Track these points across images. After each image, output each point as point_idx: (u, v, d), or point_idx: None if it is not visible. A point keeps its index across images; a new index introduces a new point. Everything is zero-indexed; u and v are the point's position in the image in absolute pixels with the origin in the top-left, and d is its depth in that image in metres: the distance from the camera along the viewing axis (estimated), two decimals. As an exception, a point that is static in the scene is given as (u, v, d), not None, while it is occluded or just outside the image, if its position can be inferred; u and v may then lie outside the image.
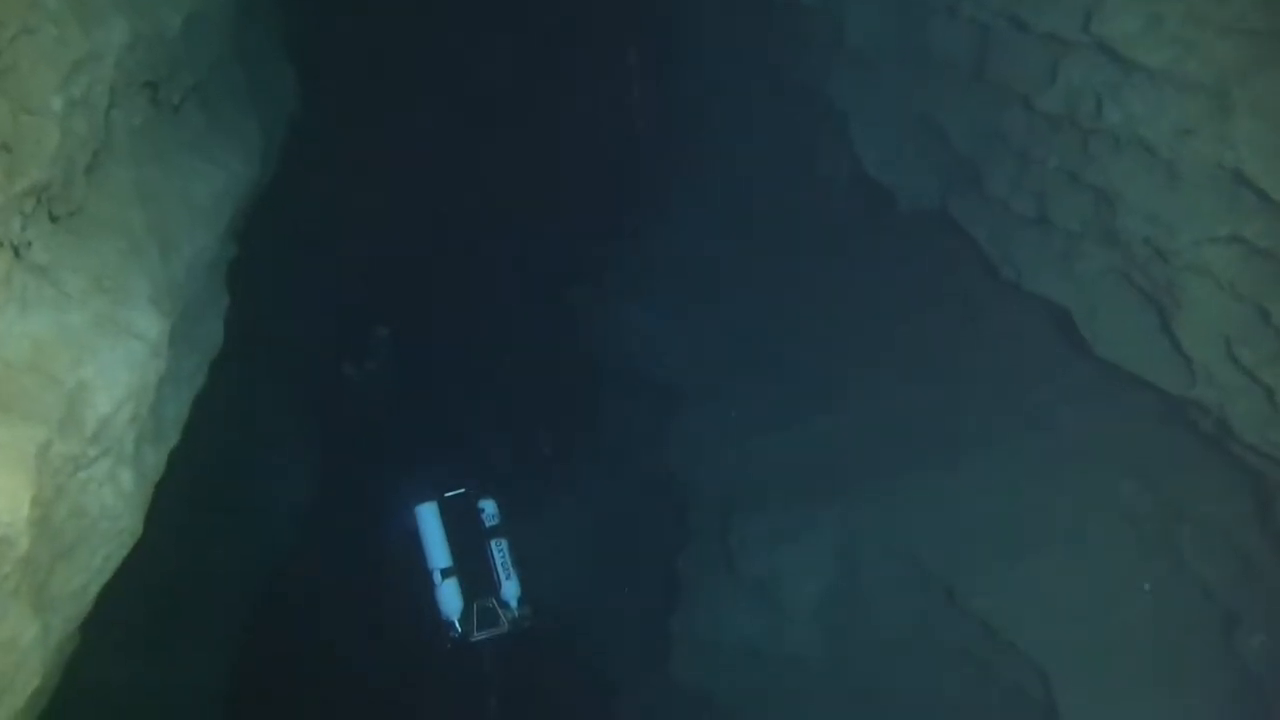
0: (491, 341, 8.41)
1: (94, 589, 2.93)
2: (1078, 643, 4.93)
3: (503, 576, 5.82)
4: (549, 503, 8.03)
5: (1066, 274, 4.36)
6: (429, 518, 5.91)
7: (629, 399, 7.91)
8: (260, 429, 7.51)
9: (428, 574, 5.84)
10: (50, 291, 2.39)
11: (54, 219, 2.47)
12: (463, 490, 6.08)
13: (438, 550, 5.83)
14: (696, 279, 7.33)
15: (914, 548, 5.54)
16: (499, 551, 5.88)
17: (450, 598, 5.73)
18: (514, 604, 5.80)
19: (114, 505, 2.75)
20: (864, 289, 6.35)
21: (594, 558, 8.20)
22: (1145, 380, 4.18)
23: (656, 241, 7.91)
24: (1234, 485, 4.28)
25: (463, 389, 8.12)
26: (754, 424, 6.35)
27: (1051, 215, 4.28)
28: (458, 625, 5.69)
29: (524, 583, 5.87)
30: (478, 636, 5.69)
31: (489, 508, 6.07)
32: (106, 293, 2.57)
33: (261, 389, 7.44)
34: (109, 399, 2.46)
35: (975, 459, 5.49)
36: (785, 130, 7.00)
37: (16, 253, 2.27)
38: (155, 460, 3.23)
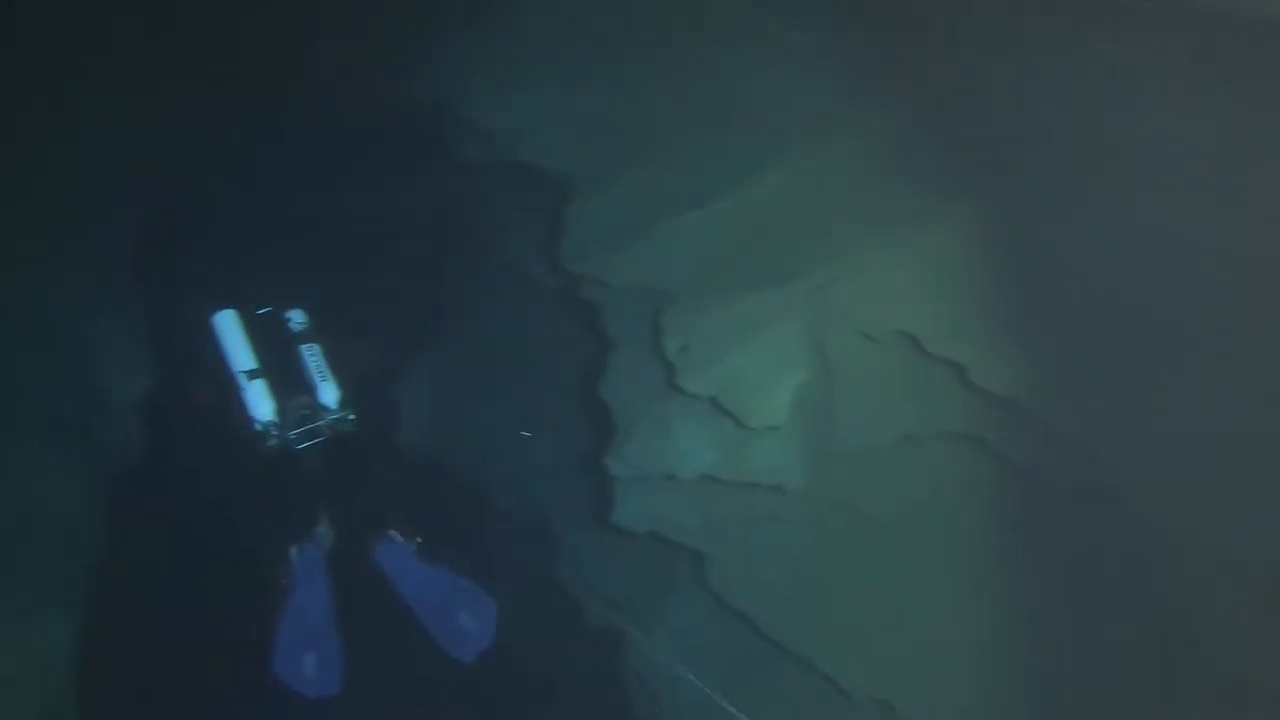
0: (329, 143, 6.70)
1: None
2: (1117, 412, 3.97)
3: (317, 379, 5.28)
4: (410, 331, 6.87)
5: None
6: (226, 324, 5.22)
7: (510, 194, 6.38)
8: (78, 330, 5.99)
9: (233, 379, 5.13)
10: None
11: None
12: (269, 309, 5.43)
13: (239, 353, 5.18)
14: (589, 36, 5.68)
15: (904, 324, 4.39)
16: (311, 356, 5.33)
17: (259, 399, 5.13)
18: (334, 407, 5.27)
19: None
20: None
21: (487, 389, 6.85)
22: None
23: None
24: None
25: (299, 201, 6.52)
26: (681, 199, 4.95)
27: None
28: (272, 430, 5.12)
29: (343, 386, 5.32)
30: (300, 444, 5.18)
31: (296, 316, 5.47)
32: None
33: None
34: None
35: (981, 197, 4.31)
36: None
37: None
38: None
